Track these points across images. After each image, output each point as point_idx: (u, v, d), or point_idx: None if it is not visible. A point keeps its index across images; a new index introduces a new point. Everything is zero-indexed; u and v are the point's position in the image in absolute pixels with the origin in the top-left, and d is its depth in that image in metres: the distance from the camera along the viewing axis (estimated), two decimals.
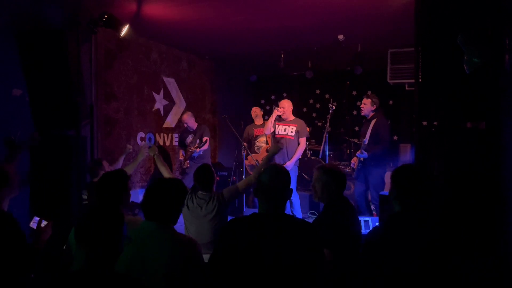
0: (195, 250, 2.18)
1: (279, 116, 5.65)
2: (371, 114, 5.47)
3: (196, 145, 6.10)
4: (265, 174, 2.16)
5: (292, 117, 5.75)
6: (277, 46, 6.81)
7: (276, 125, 5.73)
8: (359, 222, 2.87)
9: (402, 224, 2.11)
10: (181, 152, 6.51)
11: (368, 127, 5.41)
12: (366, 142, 5.36)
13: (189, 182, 6.17)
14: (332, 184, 2.82)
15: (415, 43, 3.31)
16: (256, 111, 6.85)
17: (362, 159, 5.38)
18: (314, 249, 2.05)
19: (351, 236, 2.69)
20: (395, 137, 7.85)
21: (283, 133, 5.69)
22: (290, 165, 5.50)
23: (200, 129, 6.50)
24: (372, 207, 5.55)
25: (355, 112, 8.41)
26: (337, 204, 2.81)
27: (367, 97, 5.46)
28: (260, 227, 2.07)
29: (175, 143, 7.15)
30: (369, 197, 5.50)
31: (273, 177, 2.13)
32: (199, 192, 3.50)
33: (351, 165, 5.60)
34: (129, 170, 4.27)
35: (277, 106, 5.72)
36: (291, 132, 5.66)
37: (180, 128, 7.16)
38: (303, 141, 5.67)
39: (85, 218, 1.77)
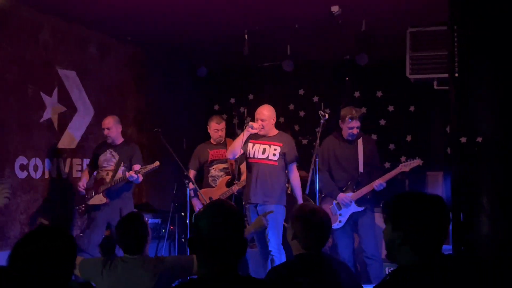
0: None
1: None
2: None
3: (139, 170, 6.11)
4: (205, 217, 2.22)
5: (274, 132, 5.84)
6: (238, 23, 6.83)
7: (250, 144, 5.77)
8: None
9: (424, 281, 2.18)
10: (84, 179, 6.42)
11: (356, 151, 5.97)
12: (362, 171, 5.91)
13: (98, 233, 6.16)
14: (303, 235, 3.09)
15: (449, 18, 3.40)
16: (221, 133, 6.82)
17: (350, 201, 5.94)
18: None
19: None
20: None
21: (261, 156, 5.74)
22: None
23: (127, 148, 6.46)
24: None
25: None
26: (303, 266, 3.03)
27: (356, 117, 5.95)
28: None
29: (77, 173, 7.00)
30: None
31: (217, 221, 2.20)
32: (125, 255, 3.61)
33: (342, 202, 5.98)
34: None
35: (251, 120, 5.73)
36: (274, 155, 5.71)
37: (86, 148, 7.05)
38: (294, 167, 5.84)
39: None
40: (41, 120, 6.61)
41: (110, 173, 6.37)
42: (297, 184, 5.81)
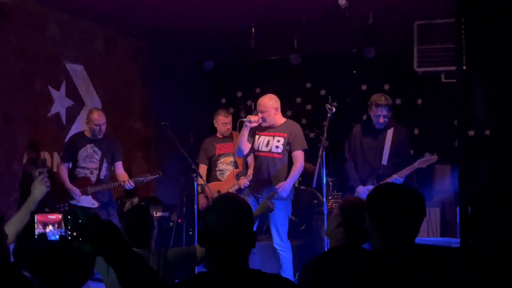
0: None
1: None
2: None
3: (139, 179, 6.05)
4: (214, 211, 2.22)
5: (280, 120, 5.75)
6: (245, 16, 6.85)
7: (257, 136, 5.71)
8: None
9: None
10: (67, 179, 6.10)
11: (383, 141, 5.77)
12: (385, 163, 5.71)
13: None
14: (350, 225, 3.07)
15: (456, 11, 3.41)
16: (229, 126, 6.86)
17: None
18: None
19: None
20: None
21: (264, 149, 5.68)
22: (285, 192, 5.41)
23: (109, 144, 6.37)
24: None
25: (365, 117, 8.53)
26: (334, 259, 2.98)
27: (384, 105, 5.70)
28: None
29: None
30: None
31: (225, 215, 2.19)
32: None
33: (361, 195, 5.75)
34: (21, 221, 3.97)
35: (249, 115, 5.69)
36: (277, 147, 5.64)
37: None
38: (299, 156, 5.61)
39: None
40: (49, 115, 6.65)
41: (95, 172, 6.21)
42: (297, 171, 5.56)
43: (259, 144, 5.69)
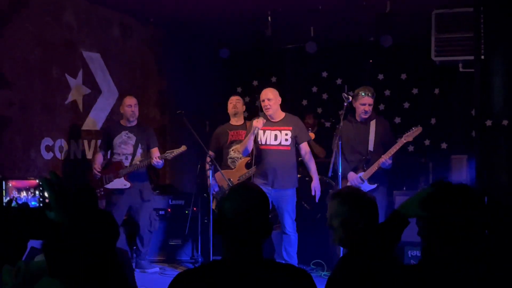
0: None
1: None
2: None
3: (166, 155, 6.15)
4: (231, 199, 2.22)
5: (281, 115, 5.92)
6: (262, 4, 6.86)
7: (261, 131, 5.85)
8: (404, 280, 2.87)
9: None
10: (98, 162, 6.36)
11: (367, 131, 6.00)
12: (372, 149, 5.92)
13: (120, 217, 6.22)
14: (358, 219, 2.77)
15: (475, 0, 3.40)
16: (236, 104, 6.90)
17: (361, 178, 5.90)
18: None
19: None
20: (444, 145, 7.97)
21: (273, 142, 5.85)
22: (319, 190, 5.86)
23: (143, 130, 6.51)
24: None
25: (382, 107, 8.52)
26: (365, 251, 2.84)
27: (369, 94, 5.93)
28: (224, 282, 2.12)
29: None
30: None
31: (242, 203, 2.19)
32: None
33: (352, 183, 5.93)
34: None
35: (255, 121, 5.77)
36: (286, 140, 5.83)
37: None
38: (307, 147, 5.97)
39: None
40: (66, 102, 6.70)
41: (129, 157, 6.37)
42: (312, 162, 5.96)
43: (266, 139, 5.85)
